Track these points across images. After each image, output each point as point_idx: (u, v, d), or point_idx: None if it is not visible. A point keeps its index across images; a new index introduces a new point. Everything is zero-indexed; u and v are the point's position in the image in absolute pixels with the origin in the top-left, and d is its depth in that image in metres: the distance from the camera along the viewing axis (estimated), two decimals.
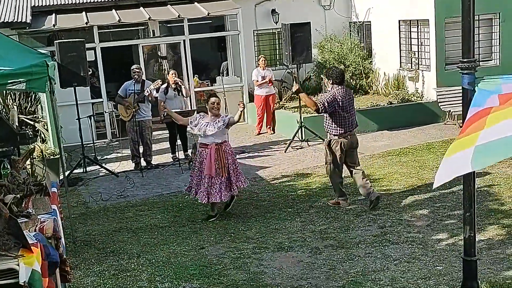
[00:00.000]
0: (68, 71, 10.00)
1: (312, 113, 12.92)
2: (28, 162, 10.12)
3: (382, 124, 12.95)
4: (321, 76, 8.16)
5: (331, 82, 7.84)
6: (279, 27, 14.29)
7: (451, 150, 3.54)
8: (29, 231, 5.19)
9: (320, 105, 7.70)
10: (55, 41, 10.43)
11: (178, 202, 8.86)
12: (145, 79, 11.44)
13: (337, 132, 7.84)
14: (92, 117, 11.79)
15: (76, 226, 8.02)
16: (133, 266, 6.49)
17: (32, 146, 8.68)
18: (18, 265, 4.54)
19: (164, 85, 11.16)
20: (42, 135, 11.74)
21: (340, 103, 7.71)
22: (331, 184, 8.32)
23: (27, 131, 9.40)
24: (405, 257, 6.33)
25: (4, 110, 11.52)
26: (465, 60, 3.90)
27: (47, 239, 5.19)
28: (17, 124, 11.69)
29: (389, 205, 8.05)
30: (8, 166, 6.62)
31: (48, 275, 5.04)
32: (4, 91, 11.71)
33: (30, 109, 12.20)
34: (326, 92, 7.93)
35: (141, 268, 6.41)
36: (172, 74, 11.21)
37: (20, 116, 11.82)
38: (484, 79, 3.79)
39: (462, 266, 4.33)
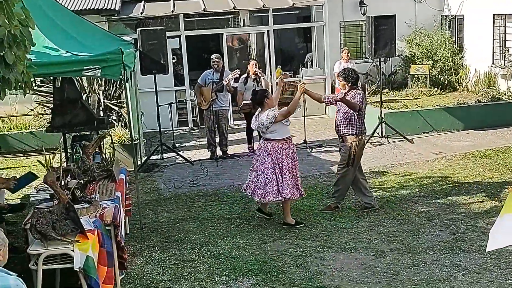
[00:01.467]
0: (149, 59, 10.18)
1: (394, 108, 12.57)
2: (108, 146, 10.46)
3: (469, 123, 12.33)
4: (338, 78, 7.70)
5: (349, 85, 7.52)
6: None
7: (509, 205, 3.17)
8: (89, 217, 5.32)
9: (357, 104, 7.43)
10: (137, 29, 10.65)
11: None
12: (225, 68, 11.46)
13: (362, 132, 7.64)
14: (171, 105, 11.94)
15: (146, 212, 8.16)
16: (194, 256, 6.51)
17: (106, 132, 8.87)
18: (73, 250, 4.65)
19: (244, 75, 11.14)
20: (126, 121, 12.07)
21: (365, 105, 7.59)
22: (340, 188, 7.82)
23: (106, 117, 9.68)
24: (475, 267, 5.97)
25: (90, 94, 11.94)
26: None
27: (105, 226, 5.29)
28: (102, 108, 12.11)
29: (465, 210, 7.64)
30: (80, 151, 6.84)
31: (107, 264, 5.14)
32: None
33: (114, 94, 12.57)
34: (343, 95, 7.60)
35: (201, 259, 6.42)
36: (253, 64, 11.14)
37: (105, 101, 12.22)
38: None
39: None
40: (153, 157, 11.08)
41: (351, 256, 6.37)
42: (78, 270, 4.64)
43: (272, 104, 7.29)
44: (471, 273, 5.86)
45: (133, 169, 10.42)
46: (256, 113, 7.42)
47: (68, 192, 5.55)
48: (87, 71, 7.03)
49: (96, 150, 8.88)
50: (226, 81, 10.64)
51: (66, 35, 7.58)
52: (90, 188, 6.30)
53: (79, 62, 6.76)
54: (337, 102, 7.65)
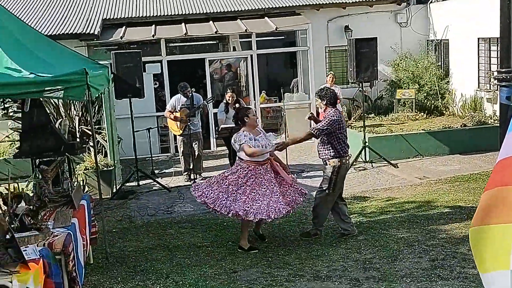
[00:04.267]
0: (124, 82, 9.92)
1: (378, 133, 12.30)
2: (82, 173, 10.14)
3: (454, 148, 12.04)
4: (315, 98, 7.54)
5: (324, 103, 7.29)
6: None
7: (486, 261, 2.83)
8: (37, 245, 4.97)
9: (314, 131, 7.18)
10: (111, 52, 10.42)
11: (223, 220, 8.48)
12: (193, 93, 11.27)
13: (343, 154, 7.22)
14: (150, 130, 11.65)
15: (115, 241, 7.81)
16: (158, 287, 6.15)
17: (71, 157, 8.56)
18: (11, 282, 4.29)
19: (223, 104, 10.94)
20: (103, 147, 11.76)
21: (339, 125, 7.16)
22: (320, 213, 7.47)
23: (78, 142, 9.36)
24: None
25: (66, 119, 11.62)
26: (503, 70, 3.28)
27: (54, 255, 4.94)
28: (79, 134, 11.81)
29: (446, 235, 7.30)
30: (39, 176, 6.51)
31: None
32: (67, 101, 11.85)
33: (92, 120, 12.25)
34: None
35: None
36: (230, 96, 10.89)
37: (81, 126, 11.92)
38: None
39: None
40: (129, 184, 10.75)
41: (324, 285, 6.00)
42: None
43: (252, 123, 7.23)
44: None
45: (108, 196, 10.18)
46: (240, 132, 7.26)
47: (16, 218, 5.22)
48: (48, 92, 6.73)
49: (65, 176, 8.58)
50: (202, 106, 10.59)
51: (32, 56, 7.30)
52: (47, 215, 5.97)
53: (40, 83, 6.45)
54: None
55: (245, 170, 7.02)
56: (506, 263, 2.74)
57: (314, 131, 7.18)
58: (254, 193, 6.94)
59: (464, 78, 14.03)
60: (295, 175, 10.94)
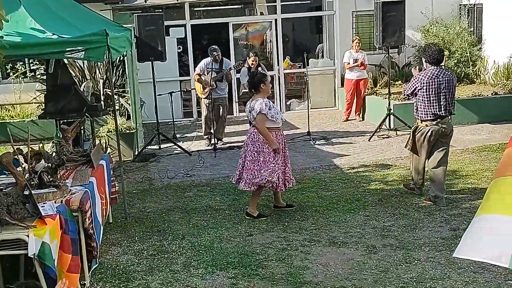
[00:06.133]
0: (146, 45, 9.87)
1: (403, 100, 12.07)
2: (105, 135, 10.18)
3: (484, 116, 11.78)
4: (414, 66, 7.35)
5: (424, 61, 7.03)
6: None
7: (491, 206, 2.73)
8: (55, 202, 5.01)
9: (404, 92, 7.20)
10: (134, 15, 10.34)
11: None
12: (231, 58, 11.19)
13: (422, 117, 7.02)
14: (172, 94, 11.62)
15: (134, 202, 7.87)
16: (174, 247, 6.17)
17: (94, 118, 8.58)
18: (28, 236, 4.33)
19: (245, 68, 10.80)
20: (126, 110, 11.80)
21: (430, 84, 6.82)
22: (412, 167, 7.61)
23: (100, 104, 9.38)
24: (473, 266, 5.50)
25: (90, 81, 11.65)
26: None
27: (71, 212, 4.97)
28: (103, 97, 11.85)
29: (470, 205, 7.18)
30: (60, 135, 6.55)
31: (72, 252, 4.83)
32: (92, 63, 11.89)
33: (116, 83, 12.30)
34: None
35: (181, 251, 6.08)
36: (253, 60, 10.75)
37: (106, 89, 11.96)
38: None
39: None
40: (151, 147, 10.79)
41: (339, 251, 5.96)
42: (32, 256, 4.32)
43: (267, 91, 7.00)
44: (467, 272, 5.41)
45: (130, 158, 10.25)
46: (251, 99, 7.09)
47: (35, 175, 5.26)
48: (69, 52, 6.74)
49: (87, 137, 8.63)
50: (226, 71, 10.45)
51: (56, 18, 7.29)
52: (66, 173, 6.01)
53: (60, 43, 6.47)
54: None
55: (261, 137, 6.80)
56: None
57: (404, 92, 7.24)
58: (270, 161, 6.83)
59: (498, 44, 13.60)
60: (315, 141, 10.91)
